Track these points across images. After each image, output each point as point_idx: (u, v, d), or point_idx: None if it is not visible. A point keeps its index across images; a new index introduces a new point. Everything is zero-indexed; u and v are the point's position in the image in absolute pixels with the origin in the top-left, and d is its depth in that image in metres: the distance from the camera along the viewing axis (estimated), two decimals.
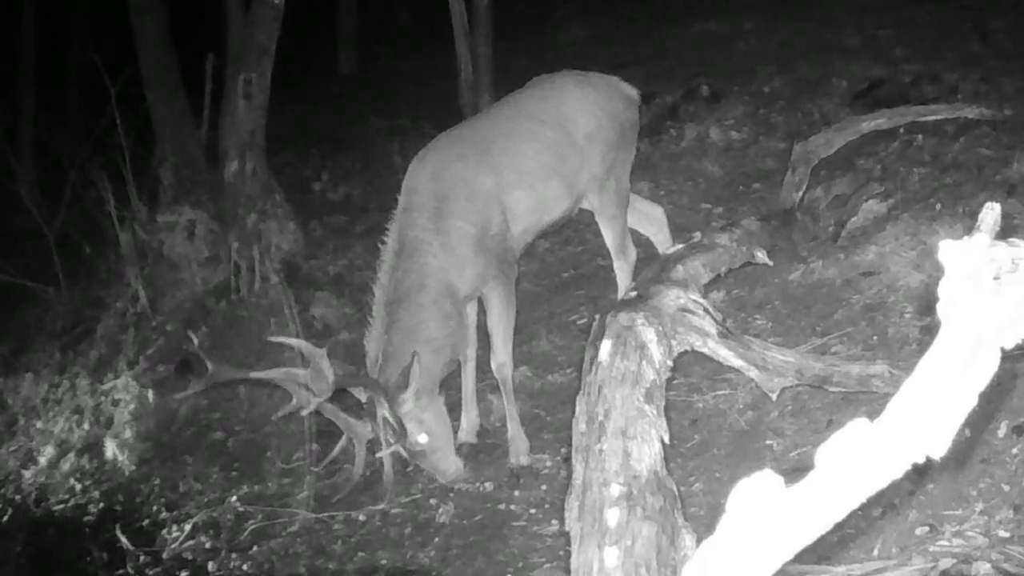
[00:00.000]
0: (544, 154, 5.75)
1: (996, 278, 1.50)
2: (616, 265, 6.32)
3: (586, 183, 5.96)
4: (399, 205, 5.55)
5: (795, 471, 1.56)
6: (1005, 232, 1.57)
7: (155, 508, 6.41)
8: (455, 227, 5.43)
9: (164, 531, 6.07)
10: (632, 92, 6.39)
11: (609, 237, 6.25)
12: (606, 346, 3.92)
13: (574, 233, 7.82)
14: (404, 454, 5.44)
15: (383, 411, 5.19)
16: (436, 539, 5.26)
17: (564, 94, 6.02)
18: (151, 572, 5.75)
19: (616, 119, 6.11)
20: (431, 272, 5.38)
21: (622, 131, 6.15)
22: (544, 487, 5.44)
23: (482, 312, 5.82)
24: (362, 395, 5.41)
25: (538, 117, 5.85)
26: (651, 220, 6.63)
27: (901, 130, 7.27)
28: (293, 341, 5.43)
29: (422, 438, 5.37)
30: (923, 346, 1.52)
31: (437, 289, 5.39)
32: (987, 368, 1.46)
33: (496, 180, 5.55)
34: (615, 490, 3.20)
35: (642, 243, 6.54)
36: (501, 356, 5.69)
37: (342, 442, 5.47)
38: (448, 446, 5.57)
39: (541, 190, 5.73)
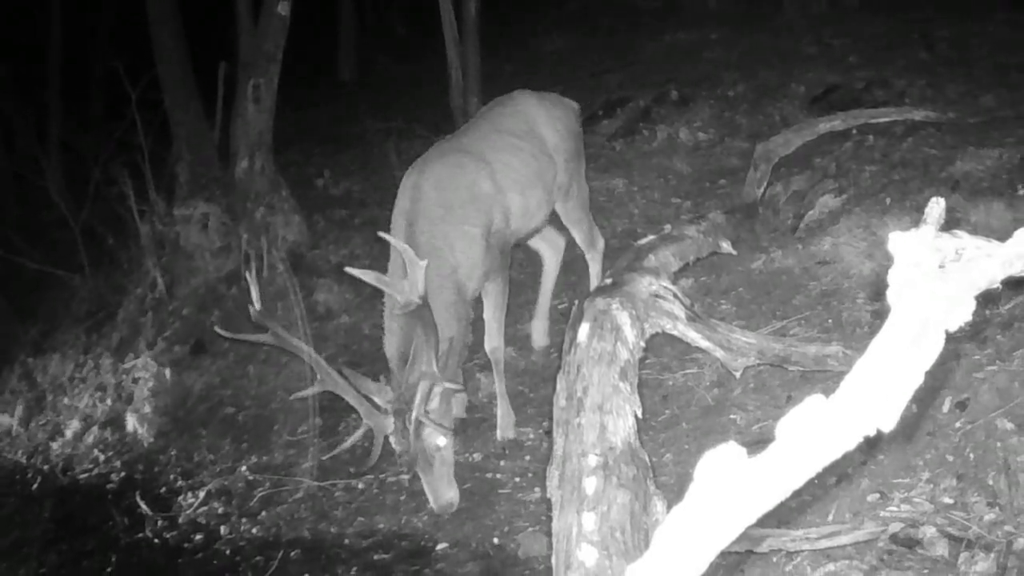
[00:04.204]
0: (528, 164, 5.67)
1: (941, 266, 1.51)
2: (588, 256, 6.31)
3: (555, 192, 5.93)
4: (403, 214, 5.21)
5: (757, 443, 1.55)
6: (949, 224, 1.58)
7: (172, 477, 6.39)
8: (464, 232, 5.25)
9: (180, 498, 6.05)
10: (575, 104, 6.40)
11: (579, 236, 6.24)
12: (584, 329, 3.91)
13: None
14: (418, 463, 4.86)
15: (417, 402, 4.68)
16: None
17: (529, 110, 5.96)
18: (168, 535, 5.73)
19: (571, 131, 6.11)
20: (446, 275, 5.13)
21: (576, 141, 6.17)
22: (528, 457, 5.43)
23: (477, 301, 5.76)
24: (383, 397, 4.85)
25: (514, 132, 5.77)
26: (552, 245, 6.53)
27: (854, 131, 7.26)
28: (398, 244, 4.62)
29: (441, 440, 4.88)
30: (874, 329, 1.51)
31: (452, 291, 5.17)
32: (933, 349, 1.46)
33: (493, 184, 5.43)
34: (592, 460, 3.20)
35: (618, 234, 6.53)
36: (496, 340, 5.65)
37: (358, 433, 4.97)
38: (451, 471, 5.02)
39: (529, 195, 5.65)
